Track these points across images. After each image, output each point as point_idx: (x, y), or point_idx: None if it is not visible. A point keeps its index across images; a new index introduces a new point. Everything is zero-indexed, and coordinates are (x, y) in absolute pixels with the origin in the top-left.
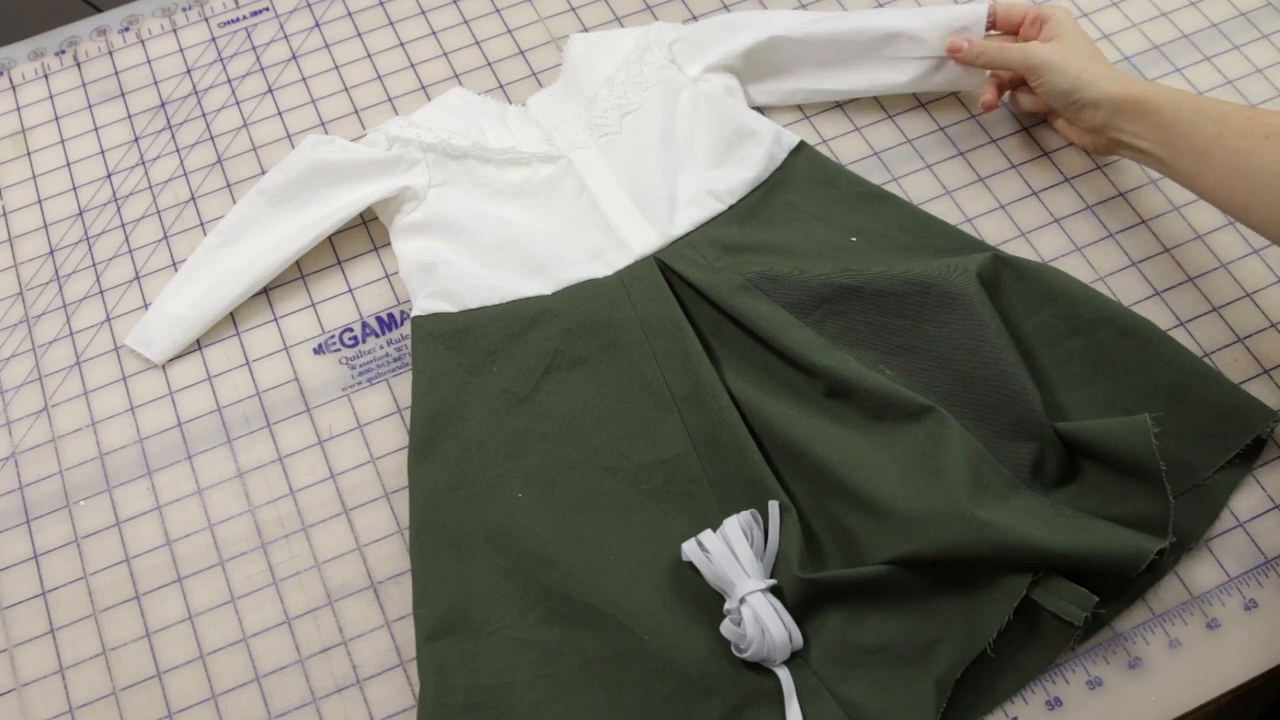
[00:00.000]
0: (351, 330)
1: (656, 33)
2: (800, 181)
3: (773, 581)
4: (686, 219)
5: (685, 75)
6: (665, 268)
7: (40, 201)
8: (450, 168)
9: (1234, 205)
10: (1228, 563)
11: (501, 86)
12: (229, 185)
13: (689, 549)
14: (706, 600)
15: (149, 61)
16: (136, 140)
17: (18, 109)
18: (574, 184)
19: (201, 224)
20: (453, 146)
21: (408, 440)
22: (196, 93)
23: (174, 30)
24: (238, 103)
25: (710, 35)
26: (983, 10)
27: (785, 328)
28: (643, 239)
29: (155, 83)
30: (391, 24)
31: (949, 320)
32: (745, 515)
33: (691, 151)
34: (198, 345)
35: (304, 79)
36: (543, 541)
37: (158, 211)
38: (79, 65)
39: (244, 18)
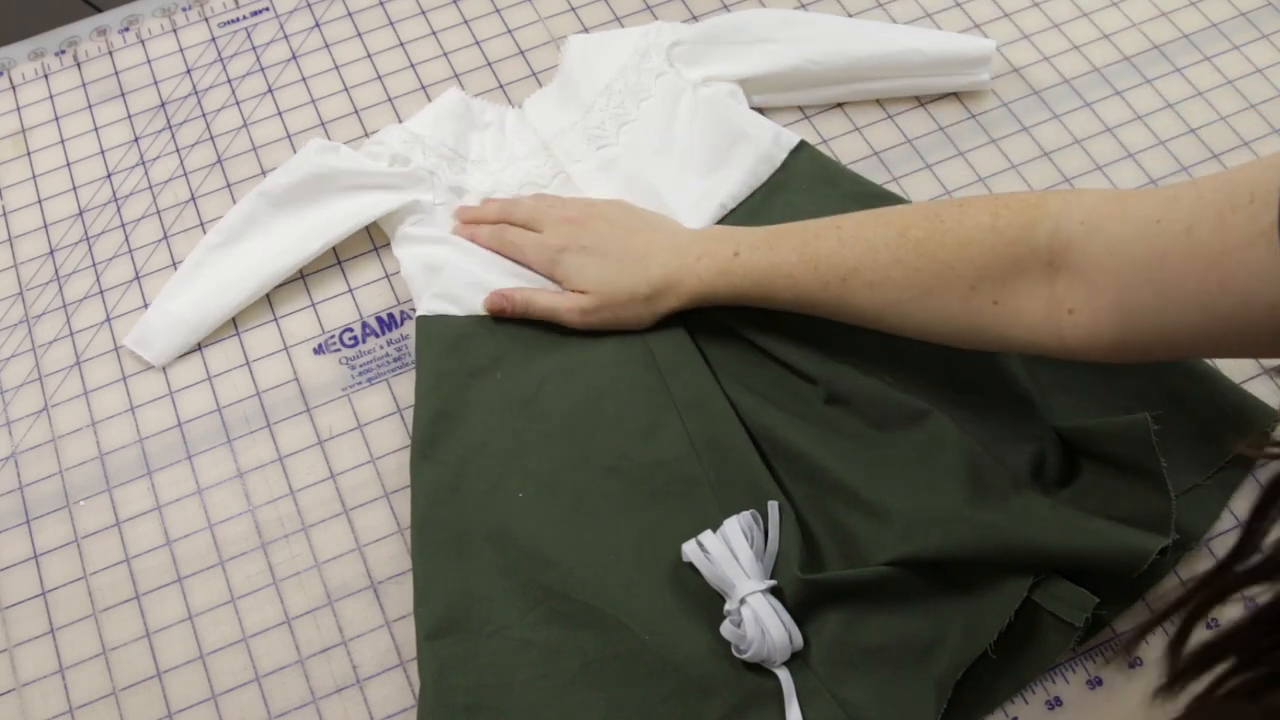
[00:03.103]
0: (351, 330)
1: (655, 35)
2: (801, 181)
3: (773, 582)
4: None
5: (685, 79)
6: None
7: (40, 201)
8: (453, 186)
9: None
10: None
11: (501, 86)
12: (229, 185)
13: (689, 549)
14: (707, 601)
15: (149, 61)
16: (136, 140)
17: (18, 109)
18: (574, 195)
19: (201, 224)
20: (451, 183)
21: (409, 440)
22: (196, 93)
23: (174, 30)
24: (238, 103)
25: (711, 46)
26: (991, 47)
27: (783, 337)
28: None
29: (155, 83)
30: (391, 24)
31: None
32: (745, 516)
33: (691, 158)
34: (198, 345)
35: (304, 79)
36: (543, 541)
37: (158, 211)
38: (79, 65)
39: (244, 18)
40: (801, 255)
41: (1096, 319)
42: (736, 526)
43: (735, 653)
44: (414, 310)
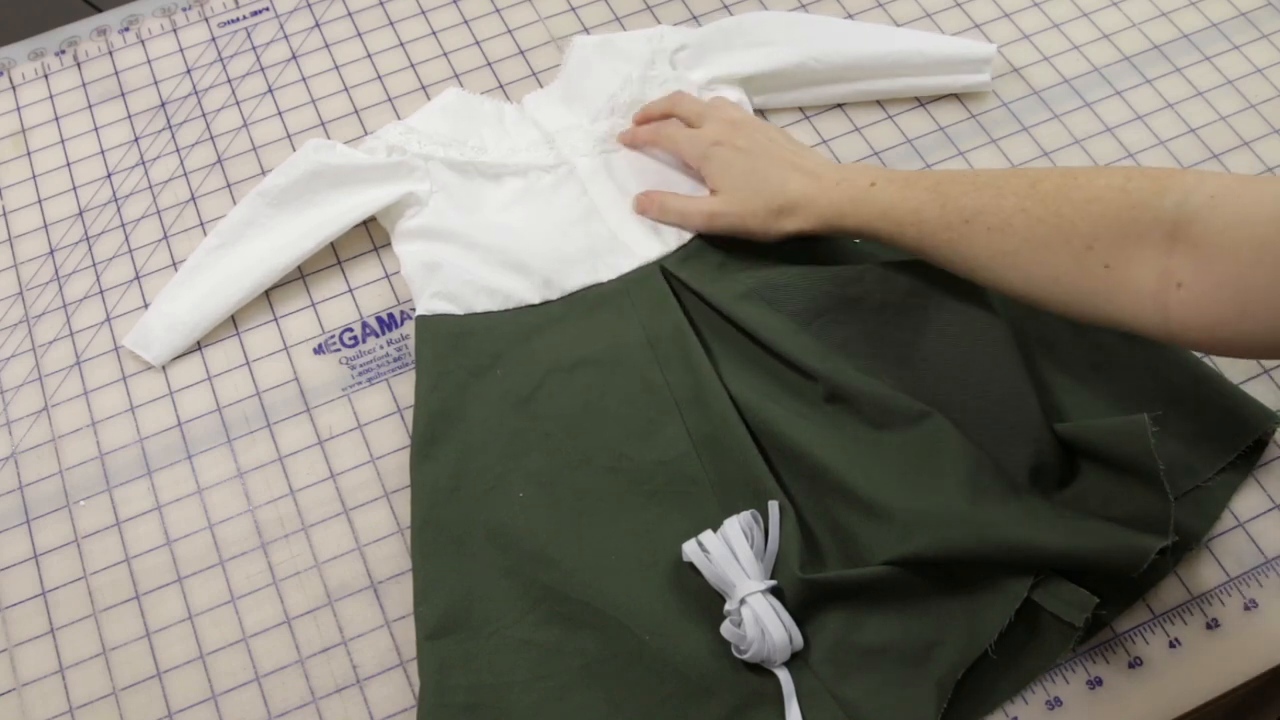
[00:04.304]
0: (351, 330)
1: (659, 41)
2: None
3: (773, 582)
4: None
5: (688, 82)
6: (668, 274)
7: (40, 201)
8: (451, 175)
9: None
10: (1228, 563)
11: (501, 86)
12: (229, 185)
13: (689, 549)
14: (707, 601)
15: (149, 61)
16: (136, 140)
17: (18, 109)
18: (576, 190)
19: (201, 224)
20: (452, 160)
21: (409, 440)
22: (196, 93)
23: (174, 30)
24: (238, 103)
25: (714, 47)
26: (992, 50)
27: (786, 335)
28: (645, 246)
29: (155, 83)
30: (391, 24)
31: (949, 329)
32: (745, 516)
33: None
34: (198, 345)
35: (304, 79)
36: (543, 541)
37: (158, 211)
38: (79, 65)
39: (244, 18)
40: (933, 194)
41: (1204, 297)
42: (737, 526)
43: (735, 653)
44: (414, 310)
